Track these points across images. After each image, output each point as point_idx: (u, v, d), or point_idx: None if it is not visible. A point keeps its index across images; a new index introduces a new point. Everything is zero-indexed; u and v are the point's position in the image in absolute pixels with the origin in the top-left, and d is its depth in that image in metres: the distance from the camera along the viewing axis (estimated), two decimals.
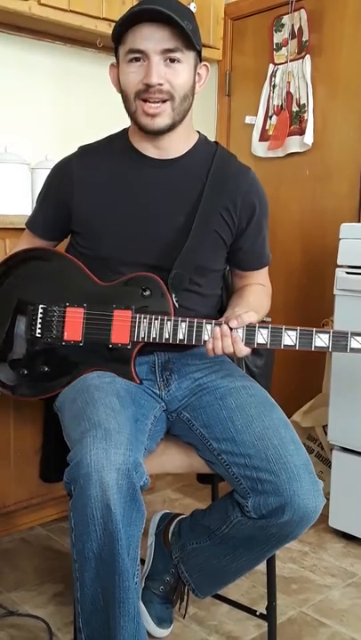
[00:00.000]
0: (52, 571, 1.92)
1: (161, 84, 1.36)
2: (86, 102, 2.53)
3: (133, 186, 1.47)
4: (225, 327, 1.35)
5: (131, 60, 1.37)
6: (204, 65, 1.46)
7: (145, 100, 1.38)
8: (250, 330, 1.35)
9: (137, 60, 1.37)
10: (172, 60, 1.36)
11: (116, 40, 1.40)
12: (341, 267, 2.04)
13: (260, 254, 1.58)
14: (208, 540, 1.46)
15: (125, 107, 1.44)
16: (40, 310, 1.47)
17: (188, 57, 1.39)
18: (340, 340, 1.34)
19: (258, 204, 1.51)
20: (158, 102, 1.38)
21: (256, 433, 1.33)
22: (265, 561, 1.48)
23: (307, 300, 2.66)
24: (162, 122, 1.40)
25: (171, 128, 1.42)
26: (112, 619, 1.20)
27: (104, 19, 2.26)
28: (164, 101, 1.38)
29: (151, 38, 1.34)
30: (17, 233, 1.61)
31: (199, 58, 1.43)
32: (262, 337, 1.35)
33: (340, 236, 2.05)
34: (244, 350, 1.35)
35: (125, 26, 1.36)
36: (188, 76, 1.40)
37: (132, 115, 1.43)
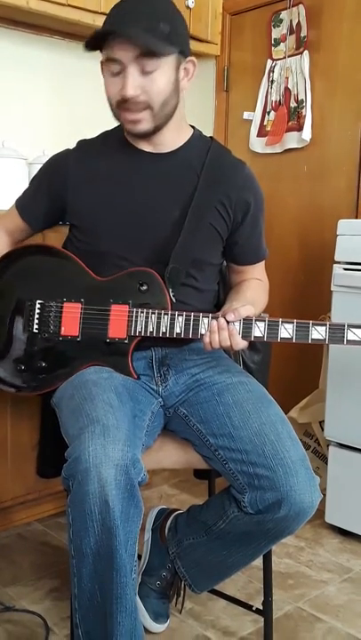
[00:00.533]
0: (48, 566, 1.92)
1: (137, 96, 1.36)
2: (84, 97, 2.52)
3: (129, 180, 1.47)
4: (222, 320, 1.35)
5: (111, 73, 1.38)
6: (190, 60, 1.43)
7: (125, 110, 1.39)
8: (247, 323, 1.35)
9: (115, 73, 1.36)
10: (148, 71, 1.35)
11: (94, 48, 1.39)
12: (339, 263, 2.04)
13: (256, 248, 1.58)
14: (205, 536, 1.46)
15: (111, 112, 1.45)
16: (37, 306, 1.47)
17: (165, 61, 1.36)
18: (337, 333, 1.34)
19: (253, 199, 1.51)
20: (137, 111, 1.38)
21: (253, 429, 1.33)
22: (261, 556, 1.48)
23: (304, 296, 2.66)
24: (144, 127, 1.41)
25: (155, 130, 1.43)
26: (109, 614, 1.20)
27: (102, 13, 2.25)
28: (144, 109, 1.38)
29: (123, 47, 1.33)
30: (30, 235, 1.62)
31: (183, 54, 1.40)
32: (259, 330, 1.35)
33: (338, 232, 2.05)
34: (240, 343, 1.35)
35: (96, 43, 1.35)
36: (167, 81, 1.38)
37: (117, 120, 1.46)
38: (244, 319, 1.35)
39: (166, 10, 1.38)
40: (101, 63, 1.44)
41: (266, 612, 1.58)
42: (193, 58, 1.44)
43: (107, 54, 1.36)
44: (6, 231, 1.61)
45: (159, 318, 1.40)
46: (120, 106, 1.39)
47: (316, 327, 1.34)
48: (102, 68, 1.42)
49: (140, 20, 1.32)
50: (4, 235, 1.60)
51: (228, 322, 1.35)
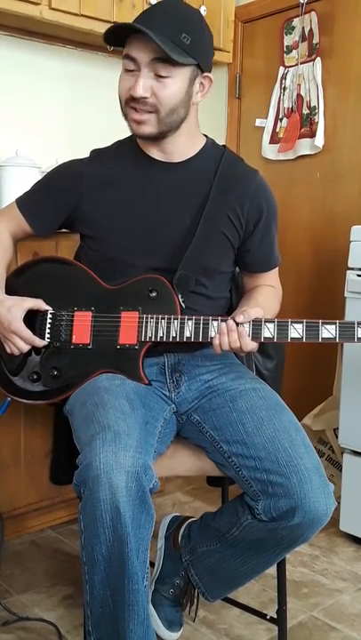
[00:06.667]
0: (61, 573, 1.92)
1: (146, 98, 1.37)
2: (97, 106, 2.54)
3: (142, 188, 1.48)
4: (231, 322, 1.35)
5: (126, 69, 1.39)
6: (207, 76, 1.44)
7: (133, 108, 1.40)
8: (256, 324, 1.35)
9: (130, 71, 1.38)
10: (161, 77, 1.36)
11: (115, 44, 1.42)
12: (352, 269, 2.04)
13: (268, 256, 1.58)
14: (218, 543, 1.46)
15: (121, 110, 1.45)
16: (49, 316, 1.48)
17: (180, 71, 1.37)
18: (348, 330, 1.33)
19: (265, 207, 1.51)
20: (144, 112, 1.39)
21: (267, 435, 1.32)
22: (275, 564, 1.47)
23: (317, 302, 2.65)
24: (146, 129, 1.41)
25: (159, 137, 1.43)
26: (121, 622, 1.20)
27: (115, 22, 2.26)
28: (150, 112, 1.39)
29: (142, 49, 1.35)
30: (29, 238, 1.62)
31: (201, 69, 1.41)
32: (269, 331, 1.35)
33: (351, 239, 2.05)
34: (250, 345, 1.35)
35: (115, 34, 1.38)
36: (179, 90, 1.38)
37: (124, 118, 1.45)
38: (253, 320, 1.35)
39: (193, 22, 1.40)
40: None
41: (280, 620, 1.57)
42: (210, 75, 1.45)
43: (126, 51, 1.38)
44: (10, 233, 1.58)
45: (169, 323, 1.40)
46: (128, 104, 1.40)
47: (325, 326, 1.33)
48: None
49: (163, 27, 1.33)
50: (9, 237, 1.58)
51: (237, 323, 1.34)
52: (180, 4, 1.44)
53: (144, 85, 1.36)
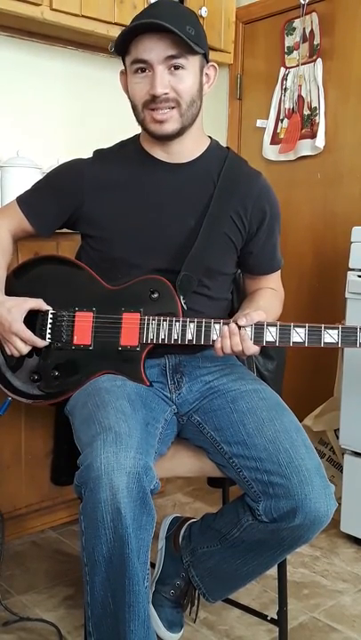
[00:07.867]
0: (62, 574, 1.92)
1: (166, 94, 1.38)
2: (98, 107, 2.54)
3: (146, 188, 1.48)
4: (233, 325, 1.35)
5: (136, 71, 1.40)
6: (212, 65, 1.47)
7: (153, 109, 1.40)
8: (258, 328, 1.35)
9: (142, 70, 1.39)
10: (177, 68, 1.38)
11: (121, 52, 1.42)
12: (353, 270, 2.04)
13: (270, 259, 1.58)
14: (219, 544, 1.46)
15: (135, 115, 1.46)
16: (50, 316, 1.48)
17: (192, 62, 1.40)
18: (350, 336, 1.33)
19: (269, 209, 1.52)
20: (166, 109, 1.40)
21: (267, 436, 1.32)
22: (276, 565, 1.47)
23: (318, 303, 2.65)
24: (170, 127, 1.42)
25: (180, 132, 1.44)
26: (122, 622, 1.20)
27: (116, 23, 2.27)
28: (172, 108, 1.40)
29: (154, 48, 1.36)
30: (29, 237, 1.62)
31: (206, 59, 1.45)
32: (271, 335, 1.35)
33: (352, 240, 2.05)
34: (252, 348, 1.35)
35: (126, 39, 1.38)
36: (194, 81, 1.41)
37: (141, 123, 1.46)
38: (255, 324, 1.35)
39: (191, 15, 1.43)
40: (121, 73, 1.46)
41: (281, 621, 1.57)
42: (214, 63, 1.47)
43: (134, 56, 1.38)
44: (10, 233, 1.57)
45: (171, 325, 1.40)
46: (148, 105, 1.40)
47: (328, 331, 1.34)
48: (125, 73, 1.44)
49: (171, 21, 1.33)
50: (9, 236, 1.57)
51: (239, 327, 1.34)
52: (173, 1, 1.46)
53: (162, 82, 1.37)
